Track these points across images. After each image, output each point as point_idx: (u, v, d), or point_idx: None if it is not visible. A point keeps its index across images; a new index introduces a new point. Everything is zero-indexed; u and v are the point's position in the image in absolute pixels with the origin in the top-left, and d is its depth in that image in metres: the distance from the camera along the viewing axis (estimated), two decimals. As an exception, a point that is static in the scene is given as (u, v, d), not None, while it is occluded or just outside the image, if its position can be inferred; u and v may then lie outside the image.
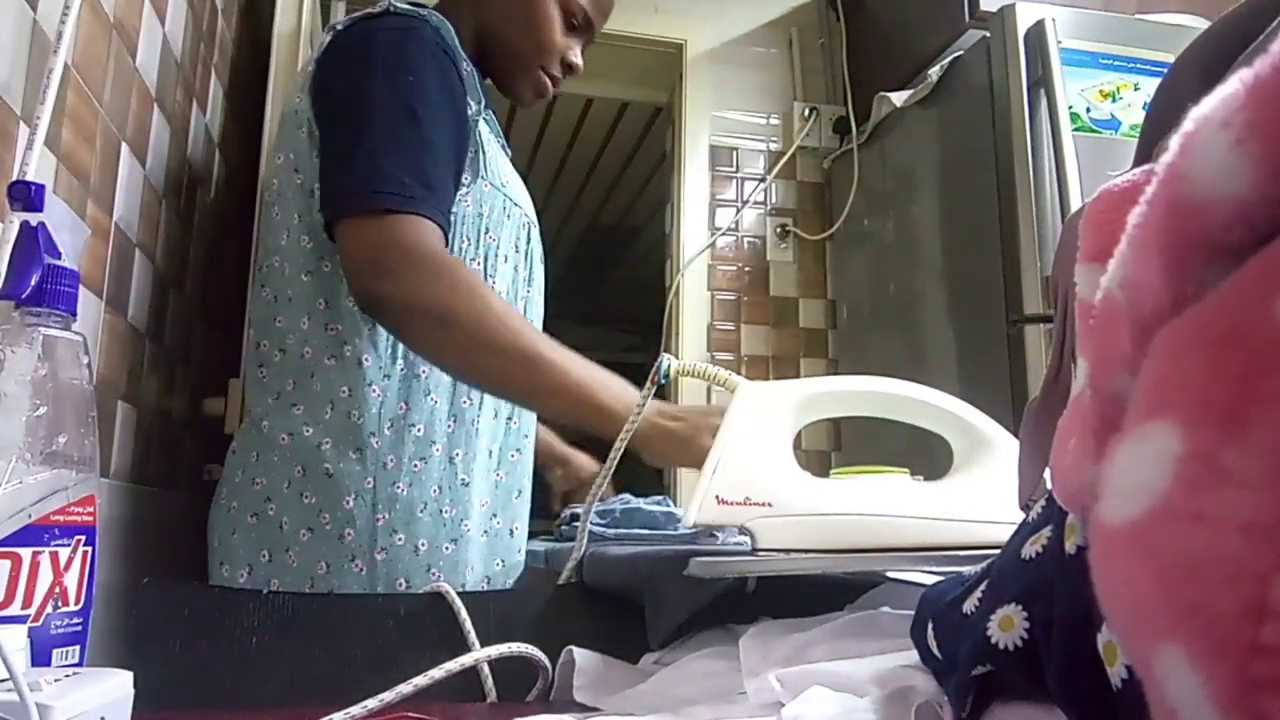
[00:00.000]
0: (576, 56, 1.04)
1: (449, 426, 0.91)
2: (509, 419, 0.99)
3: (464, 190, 0.92)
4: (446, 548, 0.88)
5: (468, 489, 0.91)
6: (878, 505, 0.54)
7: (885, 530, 0.54)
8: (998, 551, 0.33)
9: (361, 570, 0.84)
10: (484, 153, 0.93)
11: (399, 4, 0.93)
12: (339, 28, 0.92)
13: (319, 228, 0.88)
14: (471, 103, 0.92)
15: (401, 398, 0.89)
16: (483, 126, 0.95)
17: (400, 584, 0.85)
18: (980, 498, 0.54)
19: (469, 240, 0.93)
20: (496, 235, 0.94)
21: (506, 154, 1.06)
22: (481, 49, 1.00)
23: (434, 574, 0.86)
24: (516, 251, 0.99)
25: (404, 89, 0.84)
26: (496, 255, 0.94)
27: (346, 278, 0.83)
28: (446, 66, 0.89)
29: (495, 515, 0.95)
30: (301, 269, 0.90)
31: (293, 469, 0.87)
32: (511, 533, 0.97)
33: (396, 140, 0.82)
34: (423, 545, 0.87)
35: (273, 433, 0.89)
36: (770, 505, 0.54)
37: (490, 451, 0.96)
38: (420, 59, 0.87)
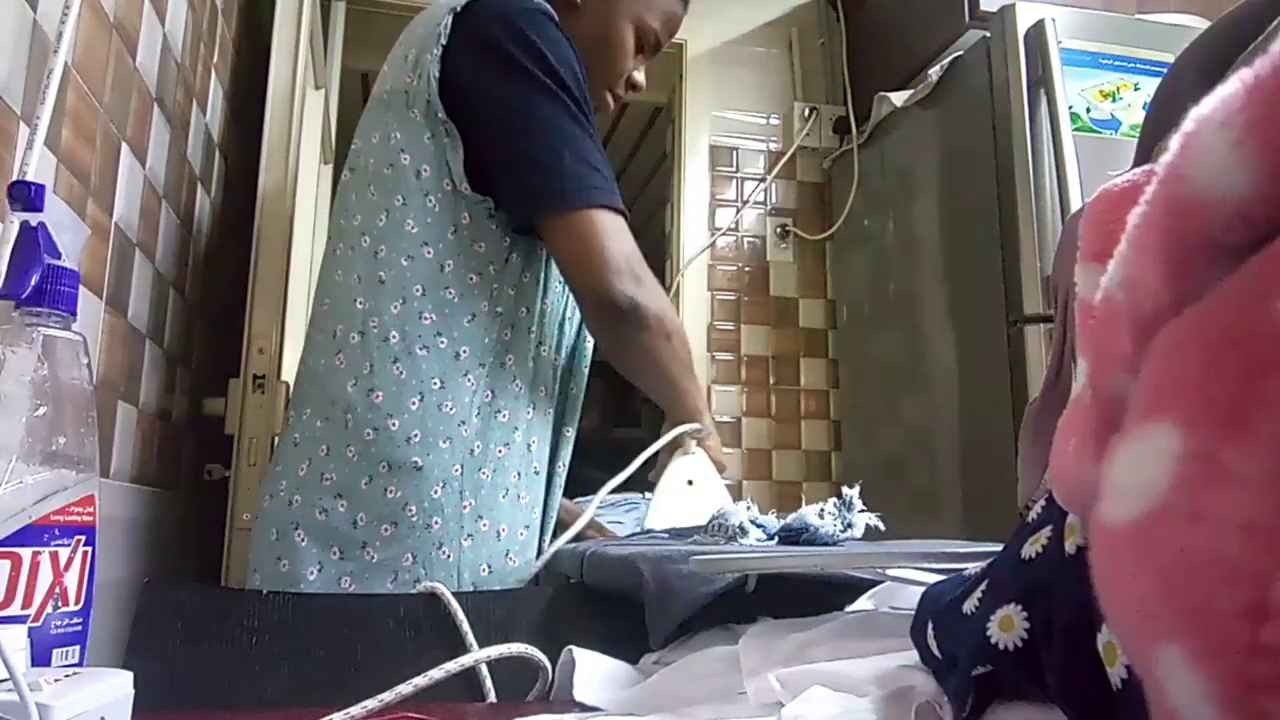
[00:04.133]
0: (640, 75, 1.06)
1: (528, 413, 0.92)
2: (561, 411, 1.00)
3: None
4: (521, 533, 0.90)
5: (538, 477, 0.93)
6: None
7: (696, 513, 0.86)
8: (999, 549, 0.33)
9: (449, 556, 0.84)
10: None
11: None
12: (458, 10, 0.89)
13: (425, 210, 0.88)
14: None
15: (489, 385, 0.89)
16: None
17: (483, 570, 0.86)
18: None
19: None
20: None
21: None
22: None
23: (511, 559, 0.88)
24: None
25: (566, 76, 0.86)
26: None
27: (587, 270, 0.87)
28: (575, 48, 0.90)
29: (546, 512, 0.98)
30: (402, 253, 0.88)
31: (376, 465, 0.84)
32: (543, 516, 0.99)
33: (579, 136, 0.86)
34: (504, 530, 0.88)
35: (358, 430, 0.85)
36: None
37: (560, 446, 0.99)
38: (562, 41, 0.88)
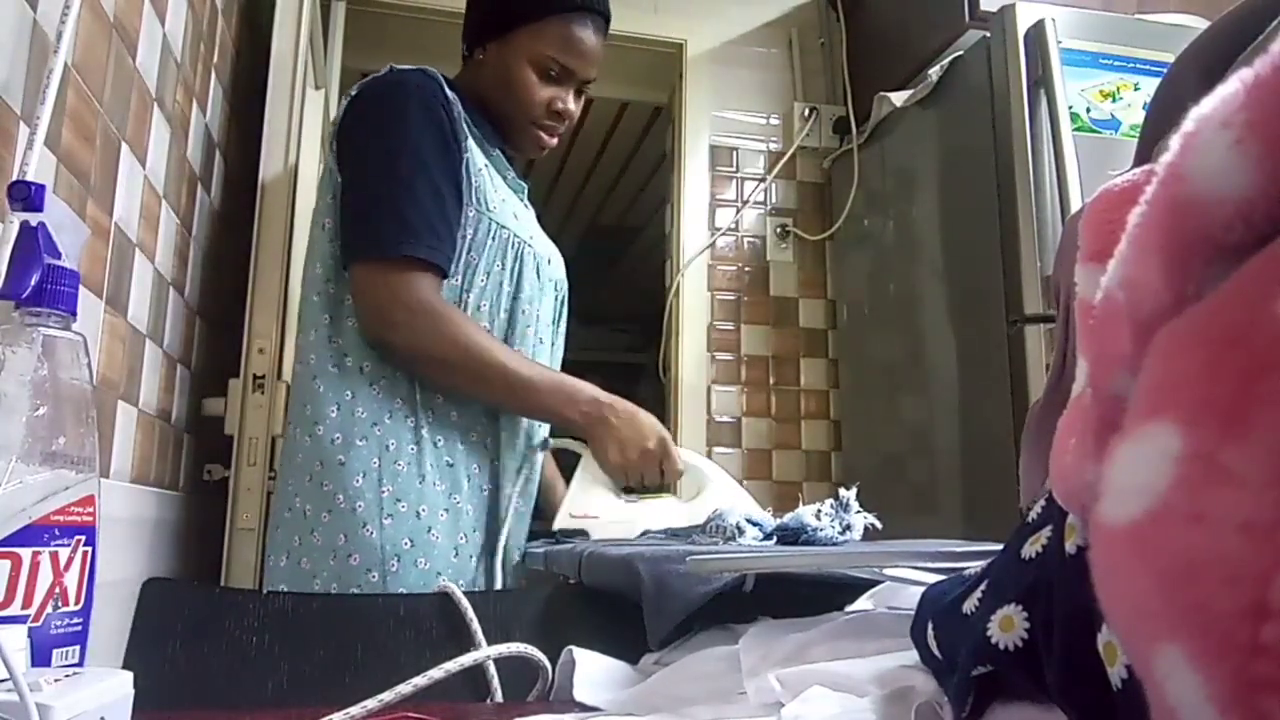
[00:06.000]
0: (565, 103, 1.12)
1: (429, 416, 1.04)
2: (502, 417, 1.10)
3: None
4: (442, 514, 1.01)
5: (453, 469, 1.04)
6: (659, 515, 1.00)
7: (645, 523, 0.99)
8: (999, 549, 0.33)
9: (371, 533, 0.96)
10: (471, 182, 1.04)
11: (399, 65, 1.07)
12: (352, 92, 1.06)
13: (327, 256, 1.04)
14: (461, 138, 1.04)
15: (396, 394, 1.02)
16: (477, 158, 1.06)
17: (405, 543, 0.97)
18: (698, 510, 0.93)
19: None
20: (477, 255, 1.05)
21: (518, 186, 1.17)
22: (482, 114, 1.11)
23: (434, 535, 0.99)
24: (502, 269, 1.08)
25: (400, 139, 0.99)
26: (475, 271, 1.05)
27: (358, 320, 1.01)
28: (433, 108, 1.02)
29: (495, 493, 1.07)
30: (313, 291, 1.05)
31: (313, 465, 1.00)
32: (515, 510, 1.09)
33: (392, 191, 0.98)
34: (423, 510, 1.00)
35: (300, 437, 1.02)
36: (598, 517, 1.02)
37: (485, 444, 1.08)
38: (410, 107, 1.01)
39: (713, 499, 0.98)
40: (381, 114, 1.01)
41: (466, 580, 1.01)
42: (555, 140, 1.16)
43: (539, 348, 1.12)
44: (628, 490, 1.07)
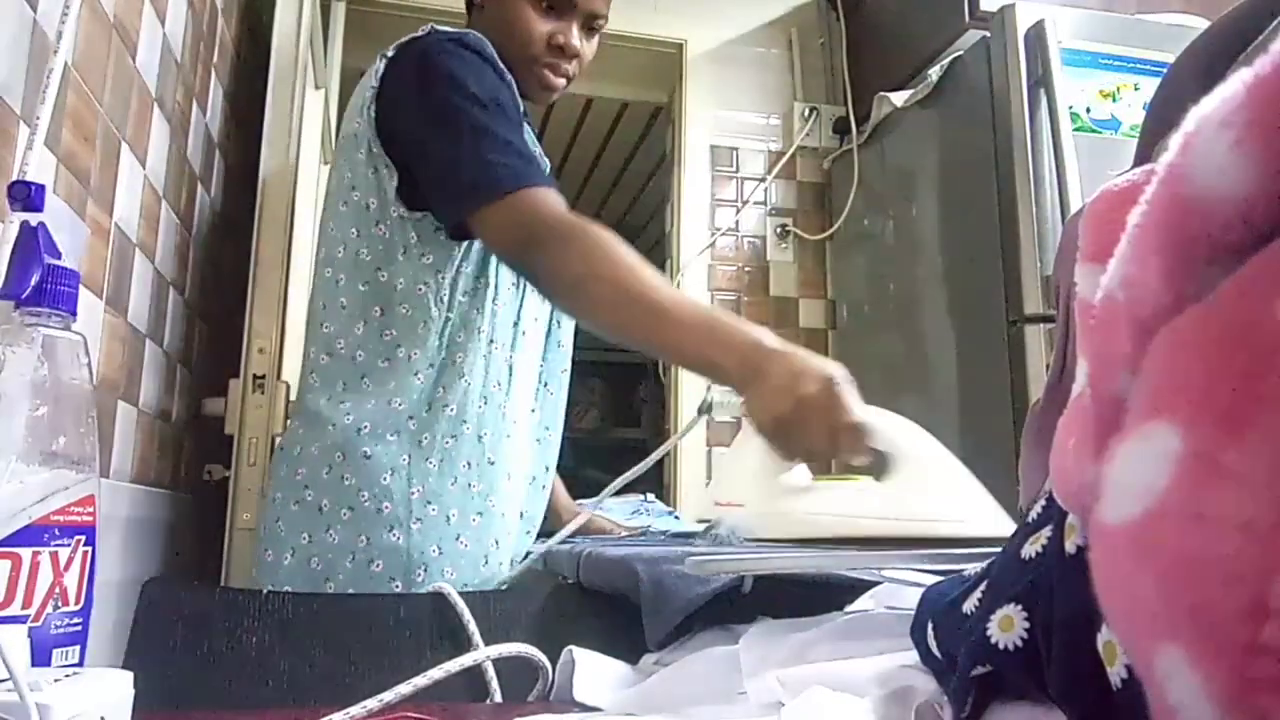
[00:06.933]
0: (565, 38, 1.04)
1: (479, 408, 0.98)
2: (531, 410, 1.05)
3: None
4: (474, 519, 0.95)
5: (494, 467, 0.98)
6: (830, 506, 0.66)
7: (832, 525, 0.65)
8: (998, 549, 0.33)
9: (399, 539, 0.91)
10: None
11: (441, 27, 1.01)
12: (389, 54, 0.99)
13: (376, 240, 0.97)
14: (520, 104, 1.00)
15: (440, 383, 0.96)
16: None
17: (433, 551, 0.91)
18: (910, 500, 0.66)
19: None
20: None
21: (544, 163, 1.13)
22: None
23: (462, 543, 0.93)
24: None
25: (474, 88, 0.92)
26: None
27: (500, 260, 0.94)
28: (497, 68, 0.97)
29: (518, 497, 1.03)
30: (359, 279, 0.98)
31: (333, 455, 0.93)
32: (521, 514, 1.05)
33: (488, 132, 0.90)
34: (453, 515, 0.94)
35: (319, 426, 0.95)
36: (742, 505, 0.72)
37: (531, 438, 1.04)
38: (476, 62, 0.95)
39: (908, 487, 0.67)
40: (450, 64, 0.93)
41: (496, 585, 0.95)
42: (562, 81, 1.07)
43: (561, 347, 1.10)
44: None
